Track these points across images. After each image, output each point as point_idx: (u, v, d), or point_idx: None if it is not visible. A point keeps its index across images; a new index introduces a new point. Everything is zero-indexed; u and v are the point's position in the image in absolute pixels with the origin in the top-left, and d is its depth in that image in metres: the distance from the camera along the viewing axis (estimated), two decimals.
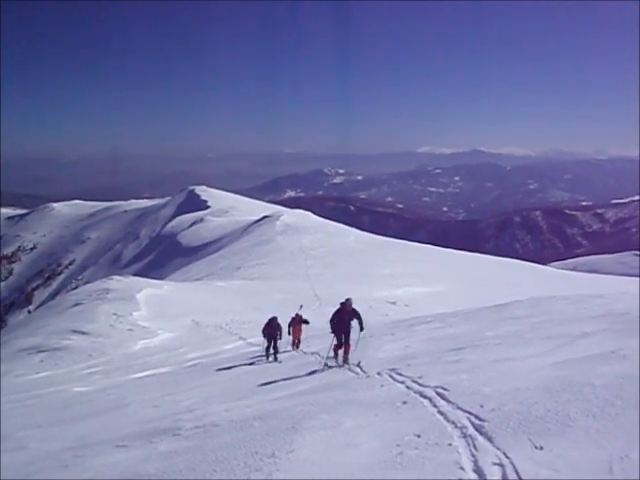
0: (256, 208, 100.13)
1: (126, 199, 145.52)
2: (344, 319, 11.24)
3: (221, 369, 14.59)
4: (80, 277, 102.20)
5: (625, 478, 3.47)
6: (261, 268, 49.23)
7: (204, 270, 56.09)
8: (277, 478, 4.58)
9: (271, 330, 15.16)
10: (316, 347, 14.84)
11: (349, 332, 11.24)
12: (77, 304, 31.87)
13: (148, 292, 33.79)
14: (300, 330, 16.39)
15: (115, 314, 28.60)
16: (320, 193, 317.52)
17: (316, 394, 8.10)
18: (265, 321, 15.77)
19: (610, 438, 4.13)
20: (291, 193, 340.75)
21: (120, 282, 36.41)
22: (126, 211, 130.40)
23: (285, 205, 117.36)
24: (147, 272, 71.94)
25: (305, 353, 14.78)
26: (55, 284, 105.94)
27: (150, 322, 28.29)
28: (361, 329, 11.39)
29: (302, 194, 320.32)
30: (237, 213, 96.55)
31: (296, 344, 16.15)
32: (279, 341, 15.11)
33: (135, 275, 52.31)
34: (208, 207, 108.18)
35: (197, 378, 13.99)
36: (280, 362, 14.11)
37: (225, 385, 11.62)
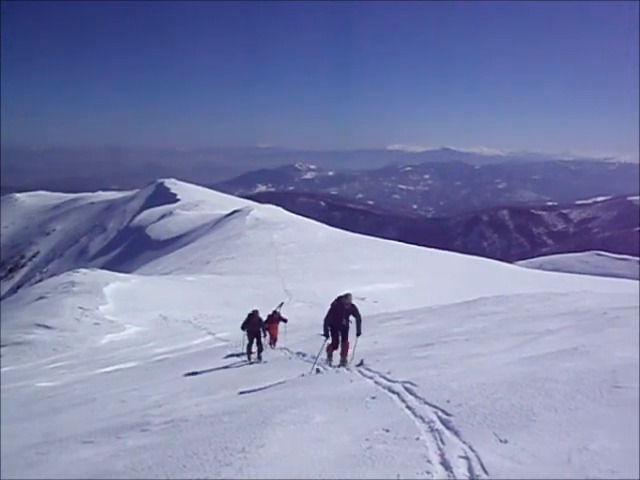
0: (226, 202, 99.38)
1: (94, 191, 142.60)
2: (341, 316, 10.01)
3: (190, 364, 14.49)
4: (45, 270, 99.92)
5: (583, 468, 3.60)
6: (231, 263, 48.93)
7: (173, 264, 55.48)
8: (247, 473, 4.60)
9: (252, 326, 13.79)
10: (293, 345, 14.73)
11: (347, 330, 10.02)
12: (41, 297, 31.23)
13: (115, 285, 33.30)
14: (276, 328, 15.73)
15: (81, 308, 28.12)
16: (291, 188, 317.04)
17: (286, 389, 8.14)
18: (243, 316, 14.46)
19: (570, 431, 4.27)
20: (262, 188, 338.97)
21: (86, 275, 35.80)
22: (93, 203, 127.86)
23: (256, 200, 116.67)
24: (114, 265, 70.75)
25: (285, 350, 14.21)
26: (18, 277, 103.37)
27: (117, 316, 27.91)
28: (358, 333, 9.84)
29: (273, 189, 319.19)
30: (207, 207, 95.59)
31: (272, 342, 15.51)
32: (262, 338, 13.86)
33: (102, 268, 51.44)
34: (178, 200, 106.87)
35: (165, 373, 13.87)
36: (265, 362, 12.98)
37: (194, 380, 11.56)
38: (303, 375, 9.41)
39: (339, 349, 9.99)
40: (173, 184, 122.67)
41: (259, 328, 13.78)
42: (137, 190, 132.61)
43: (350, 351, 9.79)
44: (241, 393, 8.58)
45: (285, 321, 15.80)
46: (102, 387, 13.25)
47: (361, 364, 8.94)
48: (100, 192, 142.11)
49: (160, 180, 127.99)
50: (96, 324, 26.38)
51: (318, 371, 9.59)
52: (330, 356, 10.17)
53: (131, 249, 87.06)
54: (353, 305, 10.03)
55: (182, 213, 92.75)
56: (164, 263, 58.97)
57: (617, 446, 3.86)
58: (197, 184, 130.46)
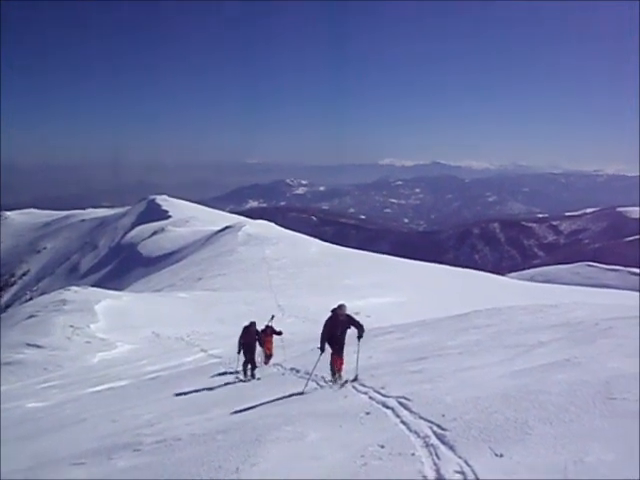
0: (218, 218, 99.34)
1: (84, 208, 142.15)
2: (337, 328, 9.62)
3: (182, 382, 14.35)
4: (35, 288, 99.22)
5: None
6: (223, 279, 48.76)
7: (165, 281, 55.22)
8: None
9: (249, 338, 13.40)
10: (286, 361, 14.58)
11: (343, 344, 9.70)
12: (31, 316, 30.90)
13: (107, 303, 33.06)
14: (271, 342, 15.47)
15: (72, 326, 27.86)
16: (283, 203, 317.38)
17: (279, 406, 8.08)
18: (236, 332, 14.23)
19: (565, 443, 4.26)
20: (253, 203, 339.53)
21: (77, 293, 35.52)
22: (84, 220, 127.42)
23: (247, 215, 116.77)
24: (106, 283, 70.42)
25: (278, 367, 14.00)
26: (7, 296, 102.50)
27: (109, 334, 27.67)
28: (360, 336, 9.59)
29: (264, 204, 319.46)
30: (198, 223, 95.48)
31: (267, 357, 15.27)
32: (256, 354, 13.56)
33: (93, 286, 51.15)
34: (169, 217, 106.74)
35: (157, 391, 13.72)
36: (259, 379, 12.61)
37: (187, 398, 11.44)
38: (303, 393, 8.99)
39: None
40: (164, 200, 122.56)
41: (255, 341, 13.57)
42: (128, 207, 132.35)
43: (345, 367, 9.52)
44: (234, 411, 8.50)
45: (279, 334, 15.54)
46: (93, 407, 13.09)
47: (355, 380, 8.77)
48: (91, 209, 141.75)
49: (151, 197, 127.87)
50: (87, 342, 26.13)
51: (318, 385, 9.40)
52: (334, 370, 9.62)
53: (122, 266, 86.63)
54: (349, 316, 9.69)
55: (174, 230, 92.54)
56: (156, 280, 58.67)
57: (612, 458, 3.85)
58: (188, 200, 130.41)
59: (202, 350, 22.93)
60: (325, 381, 9.68)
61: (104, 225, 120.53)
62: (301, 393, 8.94)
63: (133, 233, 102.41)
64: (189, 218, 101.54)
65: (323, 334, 9.60)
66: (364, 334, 9.73)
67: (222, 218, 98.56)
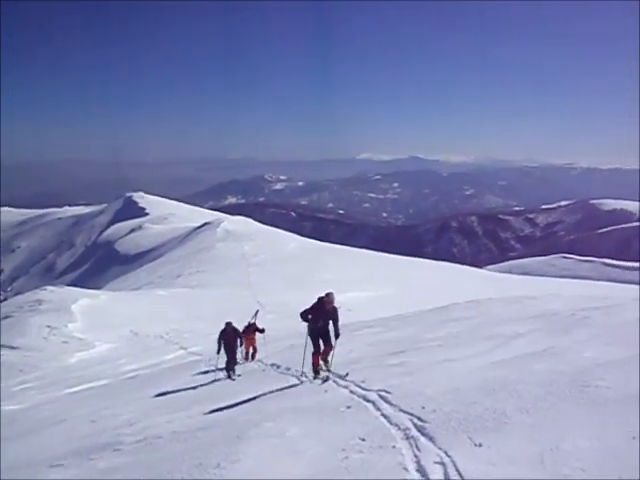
0: (196, 215, 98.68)
1: (60, 206, 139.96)
2: (320, 317, 8.96)
3: (162, 380, 14.25)
4: (9, 288, 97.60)
5: (555, 468, 3.65)
6: (202, 276, 48.51)
7: (143, 279, 54.74)
8: None
9: (229, 337, 13.23)
10: (267, 357, 14.57)
11: (328, 333, 9.13)
12: (6, 317, 30.38)
13: (84, 302, 32.65)
14: (254, 340, 15.33)
15: (49, 326, 27.45)
16: (261, 199, 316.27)
17: (260, 402, 8.07)
18: (215, 330, 14.09)
19: (542, 432, 4.34)
20: (232, 199, 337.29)
21: (54, 293, 35.00)
22: (60, 218, 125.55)
23: (226, 212, 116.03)
24: (83, 282, 69.54)
25: (259, 363, 14.03)
26: None
27: (86, 333, 27.34)
28: (337, 335, 9.14)
29: (243, 200, 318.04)
30: (177, 220, 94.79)
31: (251, 355, 15.13)
32: (238, 351, 13.40)
33: (70, 285, 50.42)
34: (146, 214, 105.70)
35: (137, 390, 13.60)
36: (239, 376, 12.36)
37: (167, 396, 11.36)
38: (284, 389, 8.87)
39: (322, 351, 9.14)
40: (141, 197, 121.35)
41: (236, 339, 13.39)
42: (105, 204, 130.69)
43: (330, 356, 9.12)
44: (215, 408, 8.46)
45: (262, 331, 15.43)
46: (72, 407, 12.93)
47: (347, 375, 8.43)
48: (67, 207, 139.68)
49: (128, 194, 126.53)
50: (65, 342, 25.78)
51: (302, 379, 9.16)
52: (317, 366, 9.11)
53: (100, 265, 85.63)
54: (334, 307, 9.07)
55: (151, 227, 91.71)
56: (134, 278, 58.13)
57: (587, 444, 3.93)
58: (166, 197, 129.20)
59: (182, 348, 22.79)
60: (305, 376, 9.65)
61: (81, 223, 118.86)
62: (282, 389, 8.94)
63: (110, 231, 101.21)
64: (167, 215, 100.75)
65: (303, 314, 9.03)
66: (340, 333, 9.25)
67: (200, 215, 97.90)
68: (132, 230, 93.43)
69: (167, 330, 28.02)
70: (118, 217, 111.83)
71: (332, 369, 8.99)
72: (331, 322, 9.07)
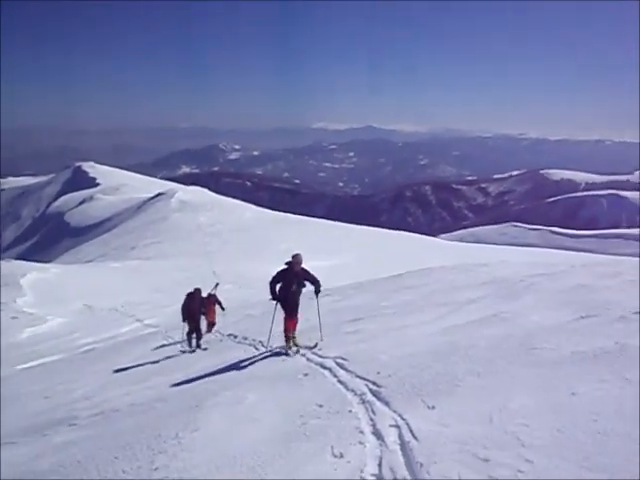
0: (149, 185, 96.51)
1: (3, 177, 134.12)
2: (291, 284, 8.39)
3: (119, 353, 14.09)
4: None
5: (503, 425, 3.85)
6: (157, 247, 47.78)
7: (96, 251, 53.50)
8: (182, 458, 4.57)
9: (194, 306, 12.70)
10: (224, 327, 14.55)
11: (298, 303, 8.57)
12: None
13: (33, 276, 31.77)
14: (214, 311, 15.17)
15: None
16: (216, 169, 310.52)
17: (218, 372, 8.10)
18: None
19: (492, 393, 4.54)
20: (186, 169, 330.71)
21: (0, 266, 33.81)
22: (4, 189, 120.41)
23: (180, 182, 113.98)
24: (31, 255, 67.36)
25: (216, 333, 13.98)
26: None
27: (37, 308, 26.66)
28: (317, 292, 8.65)
29: (197, 170, 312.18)
30: (129, 190, 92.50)
31: (210, 326, 14.93)
32: (201, 322, 12.92)
33: (17, 259, 48.82)
34: (97, 184, 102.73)
35: (92, 364, 13.42)
36: (205, 349, 11.89)
37: (123, 369, 11.26)
38: (242, 358, 8.71)
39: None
40: (91, 167, 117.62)
41: (201, 309, 13.00)
42: (52, 175, 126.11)
43: (298, 326, 8.67)
44: (173, 379, 8.45)
45: (222, 307, 15.33)
46: (24, 384, 12.65)
47: (315, 346, 8.15)
48: (11, 178, 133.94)
49: (77, 163, 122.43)
50: (14, 318, 25.07)
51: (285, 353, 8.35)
52: (289, 336, 8.49)
53: (49, 237, 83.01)
54: (304, 269, 8.56)
55: (103, 198, 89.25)
56: (86, 250, 56.71)
57: (533, 403, 4.14)
58: (117, 167, 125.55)
59: (138, 320, 22.53)
60: (264, 345, 9.69)
61: (27, 195, 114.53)
62: (240, 358, 8.99)
63: (59, 202, 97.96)
64: (119, 185, 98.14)
65: (272, 283, 8.37)
66: (321, 289, 8.76)
67: (154, 185, 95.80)
68: (83, 201, 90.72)
69: (122, 303, 27.58)
70: (67, 188, 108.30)
71: (281, 338, 8.69)
72: (309, 284, 8.60)
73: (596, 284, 9.01)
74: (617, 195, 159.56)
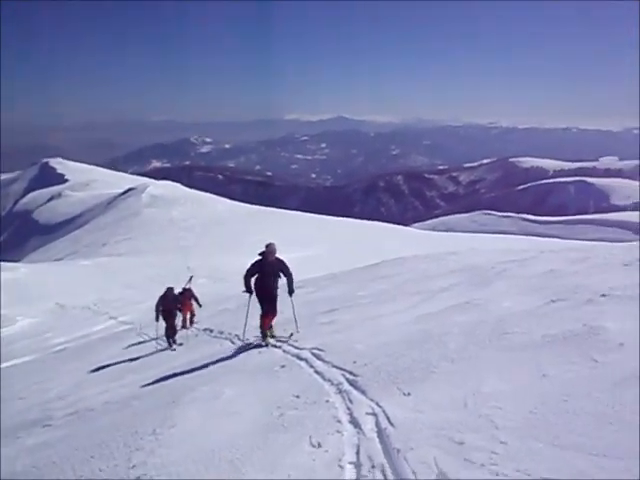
0: (120, 180, 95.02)
1: None
2: (266, 275, 8.17)
3: (93, 351, 13.92)
4: None
5: (476, 409, 3.93)
6: (129, 243, 47.17)
7: (66, 248, 52.57)
8: (159, 454, 4.56)
9: (168, 304, 12.59)
10: (200, 322, 14.46)
11: (275, 295, 8.36)
12: None
13: (2, 276, 31.02)
14: (191, 305, 14.99)
15: None
16: (187, 163, 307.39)
17: (194, 367, 8.07)
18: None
19: (465, 378, 4.62)
20: (157, 164, 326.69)
21: None
22: None
23: (151, 176, 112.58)
24: None
25: (192, 328, 13.88)
26: None
27: (7, 309, 26.08)
28: (290, 291, 8.45)
29: (168, 164, 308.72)
30: (99, 186, 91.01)
31: (187, 322, 14.74)
32: (177, 318, 12.86)
33: None
34: (66, 181, 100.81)
35: (66, 363, 13.24)
36: (181, 344, 11.83)
37: (98, 368, 11.13)
38: (232, 345, 8.76)
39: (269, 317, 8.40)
40: (59, 163, 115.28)
41: (176, 307, 12.85)
42: (19, 171, 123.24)
43: (275, 320, 8.55)
44: (149, 376, 8.39)
45: (199, 303, 15.13)
46: None
47: (291, 336, 8.16)
48: None
49: (45, 160, 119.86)
50: None
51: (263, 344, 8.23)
52: (266, 329, 8.34)
53: (17, 236, 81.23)
54: (279, 259, 8.28)
55: (72, 194, 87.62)
56: (56, 248, 55.69)
57: (505, 386, 4.23)
58: (86, 162, 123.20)
59: (111, 317, 22.26)
60: (240, 339, 9.67)
61: None
62: (216, 353, 8.96)
63: (27, 200, 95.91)
64: (89, 181, 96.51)
65: (246, 276, 8.13)
66: (294, 287, 8.58)
67: (124, 180, 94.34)
68: (51, 198, 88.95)
69: (94, 301, 27.19)
70: (35, 185, 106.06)
71: (257, 331, 8.64)
72: (283, 277, 8.36)
73: (565, 269, 9.21)
74: (584, 182, 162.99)
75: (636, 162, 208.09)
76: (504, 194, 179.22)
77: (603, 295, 6.33)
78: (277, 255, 8.30)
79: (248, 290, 8.17)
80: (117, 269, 35.57)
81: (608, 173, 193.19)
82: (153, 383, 7.71)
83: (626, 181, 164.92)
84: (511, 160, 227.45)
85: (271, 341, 8.27)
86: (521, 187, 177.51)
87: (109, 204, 70.90)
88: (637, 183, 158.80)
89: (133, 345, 13.65)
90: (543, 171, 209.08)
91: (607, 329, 4.96)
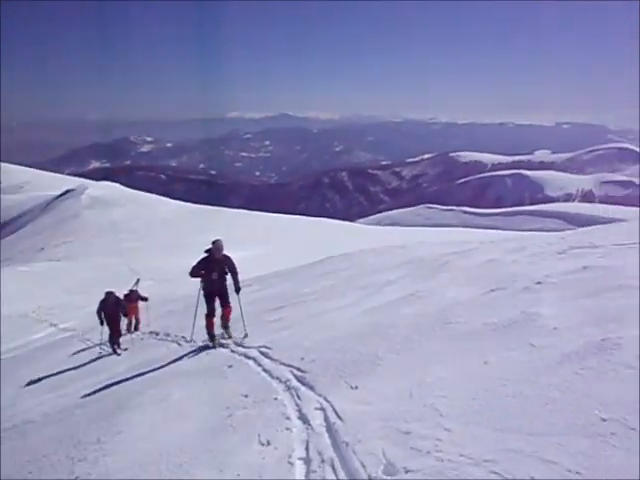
0: (56, 182, 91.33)
1: None
2: (214, 272, 8.09)
3: (32, 361, 13.36)
4: None
5: (421, 398, 4.03)
6: (68, 247, 45.56)
7: (1, 254, 50.13)
8: (104, 464, 4.43)
9: (109, 309, 12.19)
10: (145, 325, 14.14)
11: (225, 290, 8.27)
12: None
13: None
14: (137, 308, 14.59)
15: None
16: (128, 163, 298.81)
17: (141, 371, 7.89)
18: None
19: (411, 369, 4.72)
20: (96, 164, 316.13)
21: None
22: None
23: (90, 177, 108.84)
24: None
25: (143, 333, 13.43)
26: None
27: None
28: (237, 289, 8.26)
29: (108, 164, 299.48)
30: (34, 188, 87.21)
31: (134, 325, 14.40)
32: (121, 323, 12.49)
33: None
34: None
35: (3, 375, 12.63)
36: (126, 349, 11.48)
37: (39, 378, 10.69)
38: (179, 348, 8.63)
39: (218, 315, 8.38)
40: None
41: (117, 310, 12.38)
42: None
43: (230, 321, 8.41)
44: (93, 383, 8.13)
45: (145, 300, 14.82)
46: None
47: (245, 337, 8.02)
48: None
49: None
50: None
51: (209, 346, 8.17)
52: (211, 328, 8.26)
53: None
54: (226, 256, 8.20)
55: (5, 197, 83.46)
56: None
57: (449, 375, 4.35)
58: (19, 164, 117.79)
59: (52, 325, 21.40)
60: (187, 341, 9.52)
61: None
62: (163, 356, 8.79)
63: None
64: (22, 183, 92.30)
65: (192, 274, 8.09)
66: (240, 285, 8.42)
67: (61, 181, 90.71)
68: None
69: (33, 308, 26.06)
70: None
71: (215, 331, 8.46)
72: (229, 275, 8.26)
73: (504, 259, 9.53)
74: (520, 174, 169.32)
75: (567, 155, 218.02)
76: (445, 188, 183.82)
77: (539, 283, 6.59)
78: (224, 252, 8.24)
79: (198, 275, 8.08)
80: (56, 274, 34.28)
81: (542, 166, 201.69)
82: (97, 390, 7.49)
83: (559, 173, 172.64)
84: (451, 155, 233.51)
85: (222, 341, 8.19)
86: (461, 181, 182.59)
87: (46, 207, 68.16)
88: (568, 175, 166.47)
89: (76, 352, 13.19)
90: (482, 165, 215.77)
91: (542, 315, 5.17)
